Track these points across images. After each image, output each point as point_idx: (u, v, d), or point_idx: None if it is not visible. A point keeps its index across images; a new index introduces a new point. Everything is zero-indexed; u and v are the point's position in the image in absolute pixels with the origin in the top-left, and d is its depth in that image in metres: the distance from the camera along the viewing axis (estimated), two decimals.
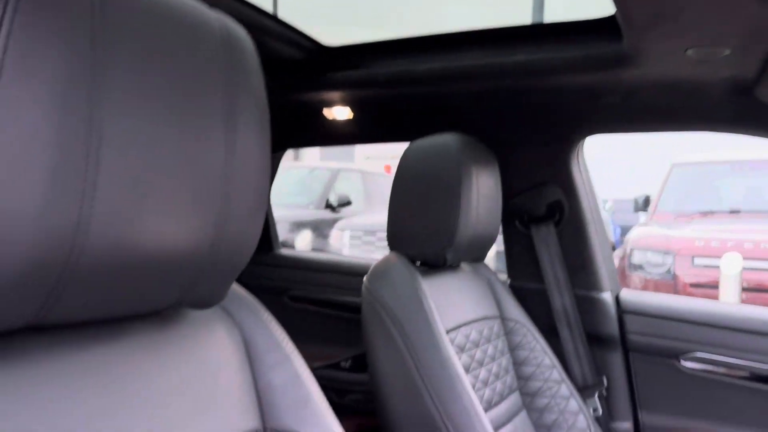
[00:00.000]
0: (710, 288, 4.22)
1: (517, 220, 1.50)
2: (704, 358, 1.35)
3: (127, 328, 0.54)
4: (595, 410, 1.38)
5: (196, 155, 0.47)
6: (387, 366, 1.05)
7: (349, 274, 1.75)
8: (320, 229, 6.35)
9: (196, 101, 0.46)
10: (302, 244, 5.91)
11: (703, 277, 4.26)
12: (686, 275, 4.39)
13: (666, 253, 4.56)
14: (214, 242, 0.51)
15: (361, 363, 1.69)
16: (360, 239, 5.85)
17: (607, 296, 1.45)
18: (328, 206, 6.63)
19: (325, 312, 1.78)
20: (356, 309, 1.72)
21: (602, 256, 1.47)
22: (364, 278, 1.13)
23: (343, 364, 1.70)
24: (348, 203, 6.69)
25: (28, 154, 0.37)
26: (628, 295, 1.47)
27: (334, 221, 6.39)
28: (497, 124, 1.41)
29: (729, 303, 1.42)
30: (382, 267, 1.13)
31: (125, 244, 0.44)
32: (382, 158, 12.01)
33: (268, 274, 1.89)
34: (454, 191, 1.13)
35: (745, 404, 1.31)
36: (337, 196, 6.68)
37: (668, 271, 4.46)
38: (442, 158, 1.15)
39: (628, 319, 1.43)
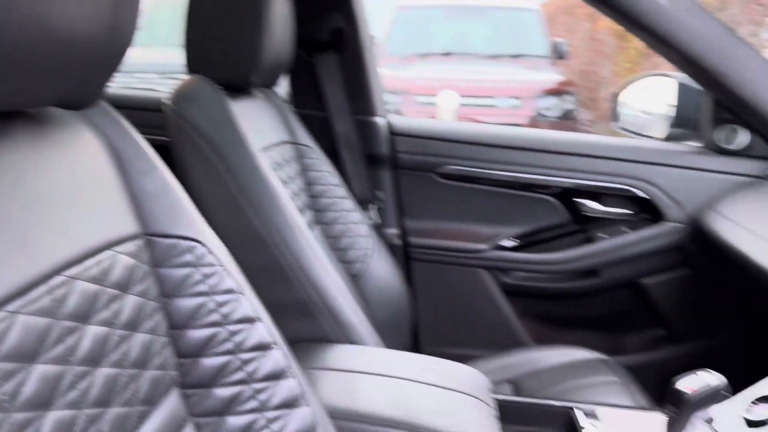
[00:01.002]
0: None
1: (301, 48, 1.53)
2: (454, 170, 1.62)
3: (7, 126, 0.51)
4: (372, 219, 1.58)
5: None
6: (204, 187, 1.06)
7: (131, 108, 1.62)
8: None
9: None
10: None
11: (425, 113, 4.81)
12: (410, 112, 4.91)
13: (393, 92, 5.00)
14: (109, 28, 0.50)
15: None
16: None
17: (381, 120, 1.61)
18: None
19: None
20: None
21: (377, 84, 1.60)
22: (168, 101, 1.09)
23: None
24: None
25: None
26: (396, 119, 1.66)
27: None
28: None
29: (475, 123, 1.70)
30: (188, 89, 1.10)
31: (36, 20, 0.42)
32: None
33: None
34: (257, 9, 1.12)
35: (487, 205, 1.63)
36: None
37: (396, 110, 4.93)
38: None
39: (398, 141, 1.63)
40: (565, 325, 1.70)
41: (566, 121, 5.15)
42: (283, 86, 1.62)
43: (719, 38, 1.33)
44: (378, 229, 1.60)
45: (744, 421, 0.94)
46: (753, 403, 0.97)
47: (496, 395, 1.03)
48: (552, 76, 5.41)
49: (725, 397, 0.90)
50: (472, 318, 1.66)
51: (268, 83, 1.33)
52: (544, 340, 1.62)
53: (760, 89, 1.35)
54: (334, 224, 1.46)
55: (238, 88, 1.21)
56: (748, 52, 1.36)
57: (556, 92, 5.19)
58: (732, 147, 1.46)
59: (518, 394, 1.25)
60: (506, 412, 1.00)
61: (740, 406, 0.97)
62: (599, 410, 1.01)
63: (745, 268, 1.20)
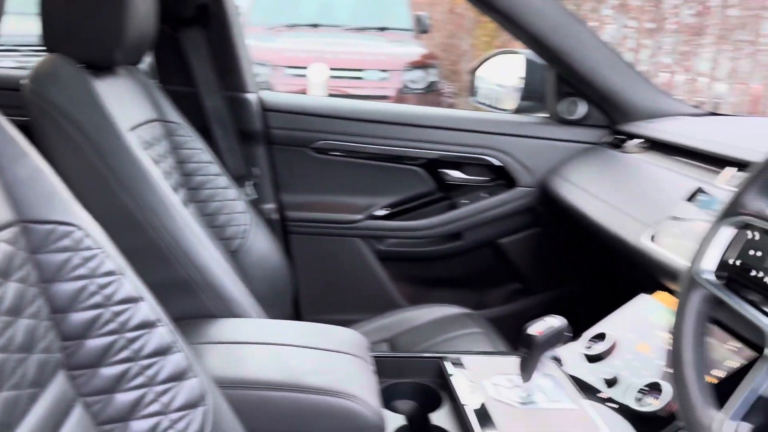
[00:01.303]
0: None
1: (165, 23, 1.49)
2: (327, 144, 1.68)
3: None
4: (248, 195, 1.60)
5: None
6: (72, 170, 1.03)
7: None
8: None
9: None
10: None
11: (295, 85, 4.79)
12: (279, 84, 4.87)
13: (261, 64, 4.92)
14: None
15: None
16: None
17: (252, 97, 1.62)
18: None
19: None
20: None
21: (246, 60, 1.61)
22: (26, 81, 1.05)
23: None
24: None
25: None
26: (268, 95, 1.67)
27: None
28: None
29: (346, 98, 1.75)
30: (47, 69, 1.06)
31: None
32: None
33: None
34: None
35: (360, 178, 1.70)
36: None
37: (264, 82, 4.86)
38: None
39: (270, 117, 1.65)
40: (435, 285, 1.83)
41: (431, 93, 5.35)
42: (145, 62, 1.58)
43: (559, 18, 1.48)
44: (255, 204, 1.62)
45: (585, 357, 1.10)
46: (591, 341, 1.13)
47: (374, 353, 1.12)
48: (416, 49, 5.58)
49: (570, 338, 1.04)
50: (349, 285, 1.74)
51: (133, 60, 1.30)
52: (416, 300, 1.74)
53: (594, 65, 1.52)
54: (210, 201, 1.46)
55: (101, 67, 1.17)
56: (584, 31, 1.53)
57: (421, 65, 5.38)
58: (573, 117, 1.63)
59: (394, 351, 1.35)
60: (383, 368, 1.08)
61: (581, 345, 1.13)
62: (465, 359, 1.12)
63: (584, 224, 1.37)
